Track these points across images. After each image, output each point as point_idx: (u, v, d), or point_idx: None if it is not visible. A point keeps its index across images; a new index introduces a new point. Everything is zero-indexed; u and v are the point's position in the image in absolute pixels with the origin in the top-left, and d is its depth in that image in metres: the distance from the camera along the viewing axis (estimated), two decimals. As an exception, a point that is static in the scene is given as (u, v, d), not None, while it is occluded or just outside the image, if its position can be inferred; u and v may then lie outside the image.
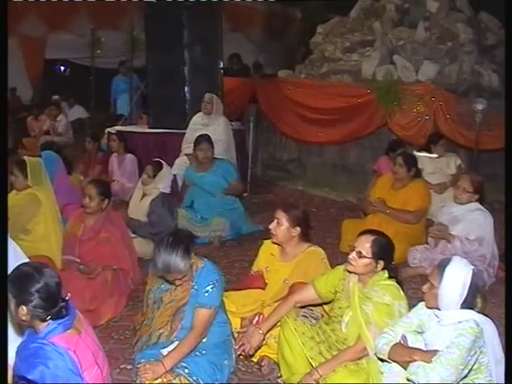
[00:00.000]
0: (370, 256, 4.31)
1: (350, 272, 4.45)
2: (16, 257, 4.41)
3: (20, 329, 4.00)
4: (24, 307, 3.46)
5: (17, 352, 3.61)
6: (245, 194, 9.70)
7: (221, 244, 7.77)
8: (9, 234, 6.60)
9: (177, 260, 4.27)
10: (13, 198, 6.95)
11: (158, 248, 4.39)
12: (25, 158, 7.12)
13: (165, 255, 4.29)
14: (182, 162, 9.30)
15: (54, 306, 3.47)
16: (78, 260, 6.05)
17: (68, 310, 3.54)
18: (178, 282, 4.44)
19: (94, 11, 18.60)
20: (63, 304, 3.50)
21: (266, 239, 5.49)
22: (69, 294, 3.59)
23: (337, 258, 6.57)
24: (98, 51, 17.93)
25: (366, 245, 4.34)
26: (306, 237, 5.19)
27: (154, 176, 7.67)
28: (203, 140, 8.26)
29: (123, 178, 10.00)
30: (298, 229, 5.09)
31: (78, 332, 3.60)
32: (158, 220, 7.41)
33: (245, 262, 7.14)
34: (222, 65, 11.05)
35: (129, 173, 10.04)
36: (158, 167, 7.73)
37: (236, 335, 4.85)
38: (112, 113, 13.96)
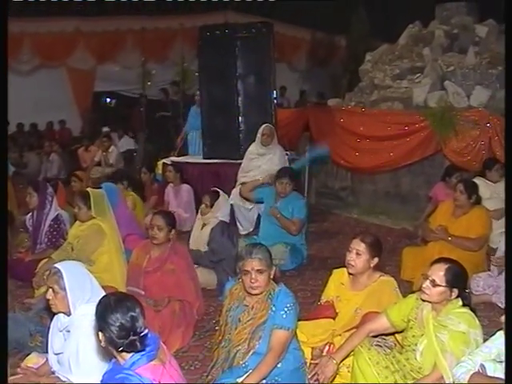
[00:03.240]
0: (444, 284, 4.32)
1: (423, 301, 4.46)
2: (92, 289, 4.49)
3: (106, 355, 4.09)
4: (101, 334, 3.61)
5: (102, 381, 3.71)
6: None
7: (281, 273, 7.76)
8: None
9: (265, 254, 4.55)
10: (77, 228, 7.14)
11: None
12: (88, 189, 7.29)
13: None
14: (238, 192, 9.36)
15: (126, 337, 3.54)
16: (143, 292, 6.13)
17: (145, 344, 3.60)
18: (254, 286, 4.55)
19: (142, 43, 18.88)
20: (135, 338, 3.55)
21: (334, 268, 5.49)
22: (146, 330, 3.65)
23: (398, 285, 6.53)
24: (149, 83, 18.20)
25: (439, 273, 4.36)
26: (378, 266, 5.20)
27: (212, 205, 7.74)
28: (285, 174, 8.33)
29: (179, 209, 10.11)
30: (377, 259, 5.10)
31: (162, 363, 3.67)
32: (218, 248, 7.44)
33: (307, 292, 7.20)
34: (275, 95, 11.11)
35: (185, 203, 10.17)
36: (215, 196, 7.81)
37: (307, 365, 4.88)
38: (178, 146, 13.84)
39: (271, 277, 4.63)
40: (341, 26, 18.80)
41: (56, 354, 4.56)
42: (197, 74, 12.78)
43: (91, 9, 17.16)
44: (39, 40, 18.29)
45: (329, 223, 10.59)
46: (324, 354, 4.90)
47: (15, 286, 7.34)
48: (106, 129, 17.61)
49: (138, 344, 3.55)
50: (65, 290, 4.33)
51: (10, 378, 4.54)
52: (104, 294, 4.52)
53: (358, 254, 5.04)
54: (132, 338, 3.54)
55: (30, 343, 5.75)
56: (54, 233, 7.82)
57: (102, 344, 3.64)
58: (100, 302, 3.69)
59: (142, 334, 3.58)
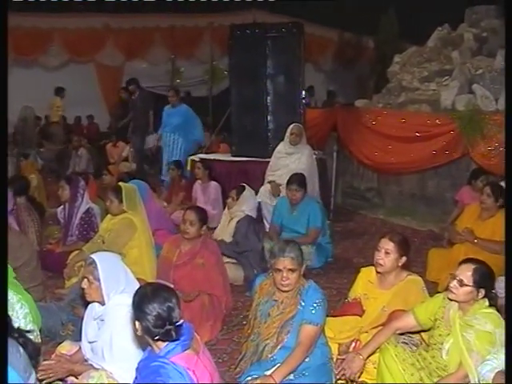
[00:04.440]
0: (471, 284, 4.38)
1: (451, 300, 4.52)
2: (126, 280, 4.58)
3: (141, 344, 4.20)
4: (137, 323, 3.72)
5: (137, 369, 3.83)
6: (327, 222, 9.79)
7: (307, 271, 7.80)
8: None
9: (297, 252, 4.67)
10: (108, 222, 7.27)
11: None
12: (120, 183, 7.40)
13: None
14: (266, 190, 9.44)
15: (162, 327, 3.64)
16: (172, 286, 6.22)
17: (180, 333, 3.70)
18: (285, 284, 4.62)
19: (170, 40, 18.99)
20: (171, 327, 3.66)
21: (362, 267, 5.56)
22: (181, 320, 3.75)
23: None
24: (178, 80, 18.32)
25: (467, 273, 4.41)
26: (405, 265, 5.26)
27: (237, 199, 7.84)
28: (295, 180, 8.25)
29: (207, 205, 10.16)
30: (405, 258, 5.16)
31: (196, 352, 3.78)
32: (242, 240, 7.56)
33: (333, 290, 7.25)
34: (304, 95, 11.18)
35: (213, 200, 10.27)
36: (241, 190, 7.92)
37: (334, 361, 4.96)
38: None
39: (301, 273, 4.71)
40: (369, 26, 18.82)
41: (90, 343, 4.64)
42: (226, 72, 12.90)
43: (120, 6, 17.28)
44: (68, 36, 18.46)
45: (354, 223, 10.65)
46: (350, 350, 4.96)
47: (46, 277, 7.42)
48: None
49: (174, 333, 3.65)
50: (99, 280, 4.41)
51: (44, 363, 4.63)
52: (138, 285, 4.65)
53: (387, 252, 5.09)
54: (168, 327, 3.65)
55: (61, 332, 5.88)
56: (85, 226, 7.95)
57: (138, 333, 3.75)
58: (137, 291, 3.80)
59: (178, 324, 3.68)
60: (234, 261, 7.55)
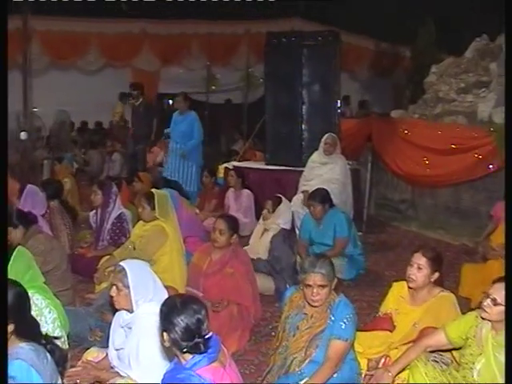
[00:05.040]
0: (505, 304, 4.29)
1: (483, 319, 4.43)
2: (155, 288, 4.57)
3: (167, 354, 4.17)
4: (165, 334, 3.67)
5: (163, 380, 3.79)
6: (360, 233, 9.72)
7: (338, 283, 7.71)
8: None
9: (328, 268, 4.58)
10: (140, 228, 7.28)
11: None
12: (153, 190, 7.41)
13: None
14: (299, 199, 9.37)
15: (191, 340, 3.61)
16: (201, 294, 6.21)
17: (208, 346, 3.66)
18: (315, 299, 4.57)
19: (207, 47, 19.03)
20: (200, 340, 3.62)
21: (391, 281, 5.49)
22: (210, 333, 3.71)
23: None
24: (213, 87, 18.34)
25: (501, 292, 4.32)
26: (438, 281, 5.18)
27: (273, 211, 7.77)
28: (316, 196, 8.12)
29: (239, 213, 10.18)
30: (437, 274, 5.09)
31: (222, 365, 3.74)
32: (280, 256, 7.49)
33: (363, 303, 7.19)
34: (339, 104, 11.12)
35: (245, 208, 10.28)
36: (277, 202, 7.84)
37: (363, 377, 4.89)
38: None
39: (332, 288, 4.66)
40: (406, 36, 18.70)
41: (116, 350, 4.64)
42: (261, 80, 12.85)
43: (157, 11, 17.35)
44: (105, 40, 18.56)
45: (387, 235, 10.54)
46: (380, 366, 4.89)
47: (76, 281, 7.46)
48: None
49: (202, 346, 3.62)
50: (128, 288, 4.40)
51: (71, 370, 4.64)
52: (166, 294, 4.63)
53: (419, 268, 5.02)
54: (197, 340, 3.61)
55: (89, 338, 5.88)
56: (117, 231, 7.98)
57: (166, 344, 3.71)
58: (165, 302, 3.76)
59: (207, 337, 3.64)
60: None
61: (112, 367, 4.67)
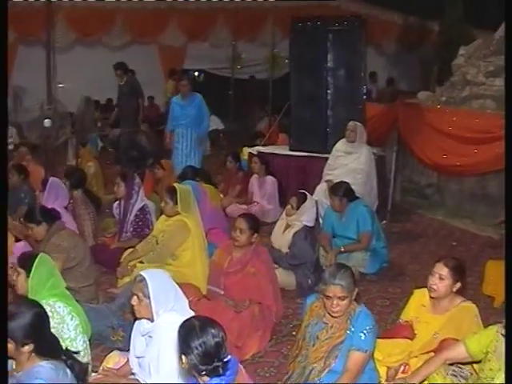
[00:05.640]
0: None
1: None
2: (176, 298, 4.57)
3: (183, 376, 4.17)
4: (183, 357, 3.65)
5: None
6: (384, 222, 9.67)
7: (361, 278, 7.62)
8: (158, 259, 6.94)
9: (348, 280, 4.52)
10: (163, 223, 7.29)
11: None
12: (175, 185, 7.40)
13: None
14: (322, 189, 9.32)
15: (209, 364, 3.59)
16: (222, 292, 6.22)
17: (227, 368, 3.64)
18: (335, 311, 4.55)
19: (233, 23, 18.92)
20: (218, 364, 3.60)
21: (417, 288, 5.45)
22: (229, 356, 3.70)
23: (479, 299, 6.44)
24: (238, 67, 18.26)
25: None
26: (460, 290, 5.13)
27: (298, 208, 7.69)
28: (337, 190, 8.04)
29: (263, 200, 10.20)
30: (459, 284, 5.03)
31: (240, 387, 3.74)
32: (299, 252, 7.42)
33: (385, 300, 7.15)
34: (365, 90, 10.99)
35: (269, 195, 10.25)
36: (303, 199, 7.67)
37: (382, 385, 4.89)
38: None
39: (353, 298, 4.63)
40: (435, 10, 18.46)
41: (137, 357, 4.67)
42: (287, 60, 12.72)
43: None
44: (132, 16, 18.51)
45: (412, 224, 10.40)
46: (399, 374, 4.89)
47: (100, 272, 7.50)
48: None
49: (221, 369, 3.60)
50: (149, 298, 4.41)
51: (92, 378, 4.68)
52: (187, 303, 4.64)
53: (441, 278, 4.97)
54: (215, 364, 3.59)
55: (111, 337, 5.91)
56: (140, 223, 7.98)
57: (184, 366, 3.68)
58: (184, 325, 3.73)
59: (225, 360, 3.64)
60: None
61: (133, 373, 4.70)
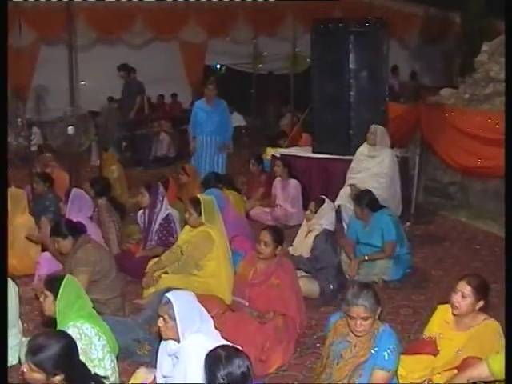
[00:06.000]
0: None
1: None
2: (201, 319, 4.60)
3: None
4: None
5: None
6: (407, 224, 9.66)
7: (384, 285, 7.69)
8: (183, 269, 7.00)
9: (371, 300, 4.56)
10: (187, 234, 7.35)
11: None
12: (199, 196, 7.45)
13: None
14: (346, 193, 9.33)
15: None
16: (247, 303, 6.27)
17: None
18: (359, 330, 4.58)
19: (254, 19, 18.87)
20: None
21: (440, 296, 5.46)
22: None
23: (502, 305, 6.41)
24: (260, 65, 18.25)
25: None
26: (483, 308, 5.13)
27: (316, 212, 7.73)
28: (362, 200, 8.02)
29: (286, 203, 10.21)
30: (482, 302, 5.02)
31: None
32: (320, 255, 7.45)
33: (409, 309, 7.10)
34: (387, 92, 10.97)
35: (292, 198, 10.26)
36: (320, 203, 7.76)
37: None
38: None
39: (376, 317, 4.65)
40: (456, 2, 18.33)
41: (164, 377, 4.72)
42: (308, 59, 12.68)
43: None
44: (152, 13, 18.50)
45: (435, 226, 10.34)
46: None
47: (125, 282, 7.58)
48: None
49: None
50: (175, 319, 4.44)
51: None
52: (212, 324, 4.68)
53: (464, 296, 4.96)
54: None
55: (138, 351, 5.96)
56: (164, 232, 8.05)
57: None
58: (210, 355, 3.74)
59: None
60: (308, 274, 7.49)
61: (160, 391, 4.77)
